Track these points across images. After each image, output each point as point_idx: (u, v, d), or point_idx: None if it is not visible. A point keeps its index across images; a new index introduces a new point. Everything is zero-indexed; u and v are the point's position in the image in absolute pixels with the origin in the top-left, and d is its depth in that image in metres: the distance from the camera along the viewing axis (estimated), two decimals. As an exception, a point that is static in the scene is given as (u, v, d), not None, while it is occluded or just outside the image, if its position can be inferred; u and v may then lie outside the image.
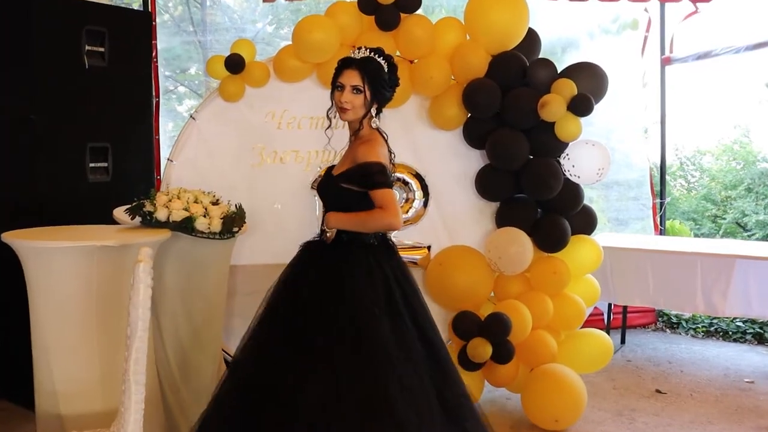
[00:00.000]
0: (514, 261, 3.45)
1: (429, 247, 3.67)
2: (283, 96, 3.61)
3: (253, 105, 3.61)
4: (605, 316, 4.89)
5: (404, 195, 3.66)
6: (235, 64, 3.48)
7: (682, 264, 4.22)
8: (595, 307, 4.52)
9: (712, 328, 5.20)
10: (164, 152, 4.69)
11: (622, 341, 4.88)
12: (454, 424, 2.24)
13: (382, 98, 2.42)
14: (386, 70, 2.40)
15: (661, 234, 5.43)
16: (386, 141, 2.44)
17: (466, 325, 3.34)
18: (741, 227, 7.42)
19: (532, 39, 3.56)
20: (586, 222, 3.61)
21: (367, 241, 2.37)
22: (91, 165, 3.65)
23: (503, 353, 3.29)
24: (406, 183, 3.65)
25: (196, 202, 2.80)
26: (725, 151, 8.06)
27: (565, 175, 3.46)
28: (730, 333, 5.11)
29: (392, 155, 2.46)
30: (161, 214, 2.71)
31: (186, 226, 2.72)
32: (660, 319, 5.40)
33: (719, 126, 7.88)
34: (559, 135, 3.36)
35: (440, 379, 2.29)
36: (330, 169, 2.51)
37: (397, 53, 3.43)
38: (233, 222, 2.85)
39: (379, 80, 2.37)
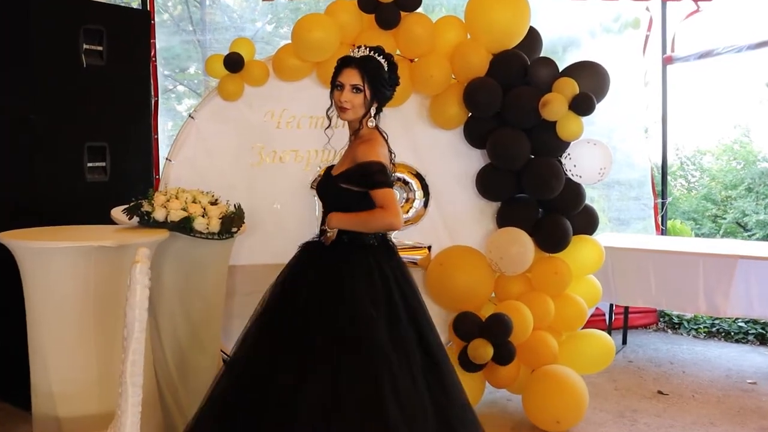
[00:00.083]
0: (515, 261, 3.43)
1: (429, 248, 3.65)
2: (282, 95, 3.59)
3: (252, 104, 3.59)
4: (607, 317, 4.87)
5: (404, 195, 3.64)
6: (234, 62, 3.46)
7: (684, 264, 4.20)
8: (597, 308, 4.50)
9: (713, 329, 5.18)
10: (163, 152, 4.67)
11: (624, 342, 4.86)
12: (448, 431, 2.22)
13: (382, 97, 2.39)
14: (386, 69, 2.37)
15: (662, 234, 5.41)
16: (386, 140, 2.42)
17: (466, 325, 3.31)
18: (741, 227, 7.41)
19: (533, 38, 3.54)
20: (588, 222, 3.59)
21: (367, 242, 2.35)
22: (89, 165, 3.63)
23: (504, 354, 3.27)
24: (406, 183, 3.63)
25: (194, 202, 2.78)
26: (725, 151, 8.05)
27: (566, 174, 3.44)
28: (732, 333, 5.09)
29: (392, 155, 2.44)
30: (159, 214, 2.69)
31: (184, 226, 2.70)
32: (661, 319, 5.38)
33: (719, 126, 7.88)
34: (560, 134, 3.34)
35: (436, 384, 2.27)
36: (329, 168, 2.49)
37: (398, 52, 3.41)
38: (232, 222, 2.83)
39: (379, 79, 2.35)
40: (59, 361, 2.44)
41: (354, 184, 2.31)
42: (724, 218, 7.52)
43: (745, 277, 3.99)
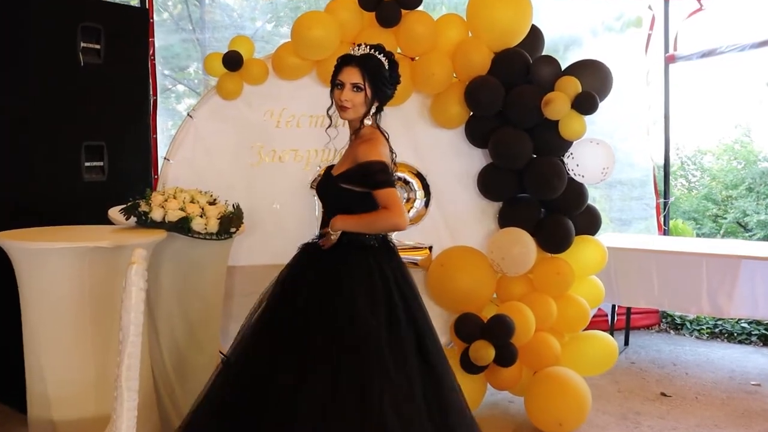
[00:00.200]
0: (517, 262, 3.40)
1: (430, 248, 3.62)
2: (282, 94, 3.56)
3: (251, 103, 3.56)
4: (609, 318, 4.84)
5: (405, 194, 3.61)
6: (233, 61, 3.43)
7: (687, 265, 4.17)
8: (599, 309, 4.47)
9: (716, 330, 5.15)
10: (162, 151, 4.63)
11: (626, 343, 4.83)
12: None
13: (383, 96, 2.36)
14: (387, 67, 2.34)
15: (664, 234, 5.38)
16: (387, 140, 2.38)
17: (468, 327, 3.28)
18: (742, 227, 7.40)
19: (535, 36, 3.51)
20: (590, 222, 3.56)
21: (368, 243, 2.32)
22: (87, 164, 3.59)
23: (506, 356, 3.24)
24: (407, 182, 3.60)
25: (192, 201, 2.75)
26: (726, 151, 8.04)
27: (569, 174, 3.41)
28: (735, 334, 5.05)
29: (393, 154, 2.41)
30: (157, 215, 2.66)
31: (182, 226, 2.67)
32: (664, 320, 5.35)
33: (720, 125, 7.86)
34: (563, 133, 3.31)
35: (434, 386, 2.24)
36: (329, 168, 2.46)
37: (398, 50, 3.38)
38: (230, 222, 2.80)
39: (379, 77, 2.31)
40: (55, 364, 2.41)
41: (355, 184, 2.28)
42: (725, 218, 7.51)
43: (750, 277, 3.95)
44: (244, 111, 3.56)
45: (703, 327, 5.20)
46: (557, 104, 3.23)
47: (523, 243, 3.39)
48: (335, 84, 2.34)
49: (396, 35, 3.38)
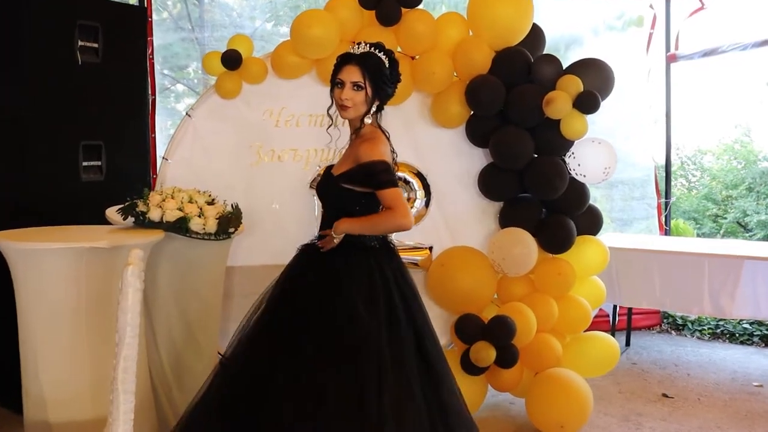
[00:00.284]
0: (518, 262, 3.37)
1: (431, 248, 3.60)
2: (281, 93, 3.53)
3: (250, 102, 3.53)
4: (610, 318, 4.81)
5: (406, 194, 3.58)
6: (231, 60, 3.40)
7: (689, 265, 4.15)
8: (600, 309, 4.45)
9: (718, 330, 5.13)
10: (162, 151, 4.61)
11: (627, 343, 4.80)
12: None
13: (384, 94, 2.34)
14: (387, 66, 2.32)
15: (666, 234, 5.35)
16: (388, 139, 2.36)
17: (469, 328, 3.25)
18: (742, 227, 7.38)
19: (536, 35, 3.48)
20: (592, 222, 3.54)
21: (369, 244, 2.30)
22: (85, 164, 3.57)
23: (507, 357, 3.21)
24: (407, 182, 3.58)
25: (190, 201, 2.73)
26: (726, 151, 8.03)
27: (570, 174, 3.38)
28: (737, 335, 5.03)
29: (394, 154, 2.39)
30: (154, 215, 2.63)
31: (180, 226, 2.65)
32: (665, 320, 5.32)
33: (720, 125, 7.84)
34: (564, 133, 3.28)
35: (432, 387, 2.23)
36: (329, 168, 2.44)
37: (399, 49, 3.35)
38: (229, 222, 2.77)
39: (380, 76, 2.29)
40: (51, 365, 2.39)
41: (357, 184, 2.26)
42: (725, 218, 7.50)
43: (752, 278, 3.93)
44: (243, 110, 3.53)
45: (705, 327, 5.17)
46: (559, 103, 3.20)
47: (524, 243, 3.37)
48: (335, 83, 2.32)
49: (396, 34, 3.35)
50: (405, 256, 2.93)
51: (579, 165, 3.37)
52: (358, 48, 2.31)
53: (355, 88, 2.27)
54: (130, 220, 2.69)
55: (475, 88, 3.35)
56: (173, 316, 2.88)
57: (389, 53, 2.35)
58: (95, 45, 3.56)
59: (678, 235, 6.00)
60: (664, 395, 3.87)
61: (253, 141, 3.53)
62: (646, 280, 4.28)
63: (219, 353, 3.21)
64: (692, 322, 5.23)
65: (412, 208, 3.58)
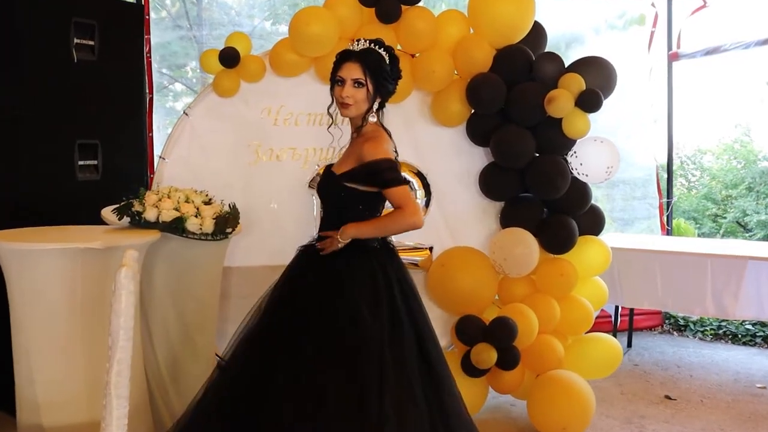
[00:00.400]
0: (520, 263, 3.34)
1: (431, 248, 3.56)
2: (279, 91, 3.49)
3: (248, 100, 3.49)
4: (612, 319, 4.77)
5: (406, 194, 3.54)
6: (229, 57, 3.35)
7: (691, 265, 4.11)
8: (602, 310, 4.41)
9: (720, 331, 5.09)
10: (159, 150, 4.57)
11: (629, 344, 4.76)
12: None
13: (385, 91, 2.31)
14: (388, 62, 2.29)
15: (668, 234, 5.31)
16: (390, 137, 2.32)
17: (470, 329, 3.21)
18: (742, 227, 7.35)
19: (538, 32, 3.45)
20: (594, 222, 3.50)
21: (370, 245, 2.28)
22: (80, 163, 3.52)
23: (508, 359, 3.17)
24: (407, 182, 3.52)
25: (187, 201, 2.69)
26: (726, 150, 8.01)
27: (572, 173, 3.35)
28: (740, 336, 4.99)
29: (396, 153, 2.36)
30: (150, 215, 2.60)
31: (176, 226, 2.61)
32: (667, 321, 5.28)
33: (720, 124, 7.82)
34: (566, 132, 3.25)
35: (433, 389, 2.21)
36: (329, 167, 2.39)
37: (398, 47, 3.31)
38: (226, 222, 2.74)
39: (381, 72, 2.26)
40: (45, 368, 2.35)
41: (362, 184, 2.23)
42: (725, 218, 7.48)
43: (756, 278, 3.89)
44: (241, 109, 3.49)
45: (707, 328, 5.13)
46: (560, 102, 3.17)
47: (525, 243, 3.33)
48: (335, 81, 2.28)
49: (396, 31, 3.31)
50: (405, 257, 2.89)
51: (581, 164, 3.33)
52: (358, 45, 2.28)
53: (356, 85, 2.24)
54: (126, 220, 2.65)
55: (475, 87, 3.31)
56: (170, 317, 2.85)
57: (389, 50, 2.32)
58: (91, 43, 3.52)
59: (679, 235, 5.96)
60: (667, 397, 3.83)
61: (251, 140, 3.49)
62: (647, 281, 4.24)
63: (216, 355, 3.18)
64: (694, 323, 5.20)
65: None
